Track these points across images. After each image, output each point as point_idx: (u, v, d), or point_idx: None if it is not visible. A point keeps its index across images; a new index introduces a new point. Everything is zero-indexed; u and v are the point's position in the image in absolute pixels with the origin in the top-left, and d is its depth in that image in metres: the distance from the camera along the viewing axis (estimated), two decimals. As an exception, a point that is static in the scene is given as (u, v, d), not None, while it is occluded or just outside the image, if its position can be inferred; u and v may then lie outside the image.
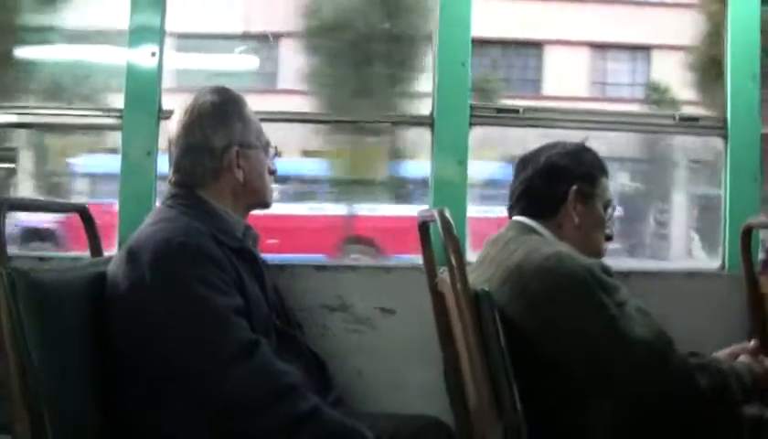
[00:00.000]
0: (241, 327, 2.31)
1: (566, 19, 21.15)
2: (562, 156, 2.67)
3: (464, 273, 2.20)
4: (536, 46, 22.15)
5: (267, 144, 2.71)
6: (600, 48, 22.40)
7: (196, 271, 2.32)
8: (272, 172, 2.73)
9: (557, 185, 2.64)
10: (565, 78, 21.10)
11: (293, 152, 14.66)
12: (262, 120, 2.74)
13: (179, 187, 2.57)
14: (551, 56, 22.02)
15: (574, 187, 2.62)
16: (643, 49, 22.38)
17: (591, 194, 2.65)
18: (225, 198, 2.58)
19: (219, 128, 2.57)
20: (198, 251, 2.35)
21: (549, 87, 21.60)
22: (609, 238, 2.73)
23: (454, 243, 2.20)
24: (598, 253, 2.67)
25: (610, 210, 2.72)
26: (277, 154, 2.78)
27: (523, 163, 2.73)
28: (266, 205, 2.72)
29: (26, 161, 15.63)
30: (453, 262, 2.19)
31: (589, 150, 2.73)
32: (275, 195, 2.76)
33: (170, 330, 2.27)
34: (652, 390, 2.35)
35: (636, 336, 2.31)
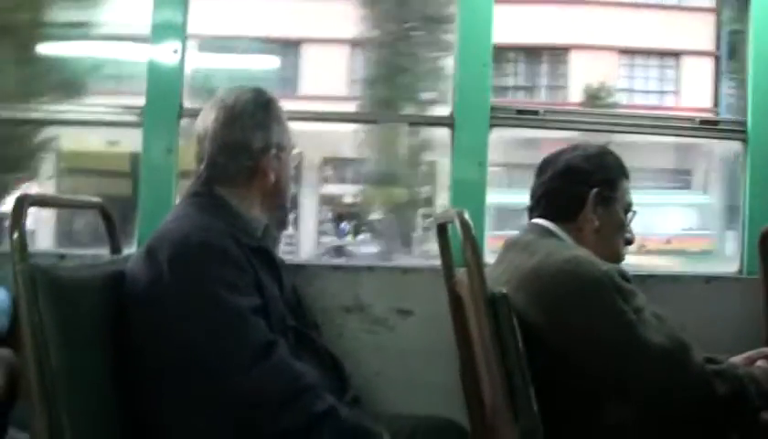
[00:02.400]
0: (259, 327, 2.32)
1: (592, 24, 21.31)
2: (583, 159, 2.65)
3: (482, 274, 2.19)
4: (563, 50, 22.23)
5: (293, 148, 2.73)
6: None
7: (214, 270, 2.32)
8: (292, 177, 2.75)
9: (576, 188, 2.62)
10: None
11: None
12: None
13: (203, 185, 2.58)
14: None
15: (594, 191, 2.59)
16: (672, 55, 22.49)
17: (611, 198, 2.63)
18: (252, 197, 2.60)
19: (259, 129, 2.59)
20: (218, 249, 2.36)
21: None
22: (629, 242, 2.71)
23: (473, 245, 2.19)
24: (618, 258, 2.65)
25: (630, 214, 2.70)
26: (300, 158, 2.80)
27: (544, 164, 2.72)
28: (286, 207, 2.74)
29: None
30: (471, 263, 2.19)
31: (610, 153, 2.70)
32: None
33: (189, 329, 2.28)
34: (669, 396, 2.33)
35: (654, 342, 2.29)
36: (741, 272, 3.42)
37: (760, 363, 2.54)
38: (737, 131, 3.46)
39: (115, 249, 2.83)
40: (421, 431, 2.61)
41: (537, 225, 2.65)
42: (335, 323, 3.14)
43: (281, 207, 2.71)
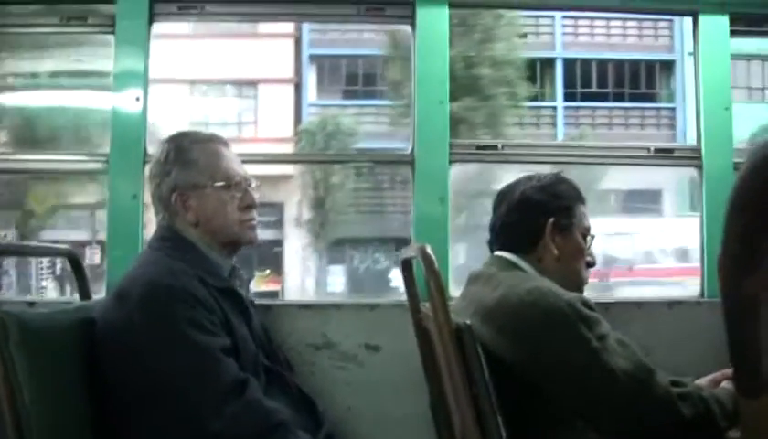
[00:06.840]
0: (230, 367, 2.34)
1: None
2: (537, 190, 2.67)
3: (446, 307, 2.21)
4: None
5: (229, 182, 2.66)
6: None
7: (183, 312, 2.35)
8: (248, 207, 2.69)
9: (533, 219, 2.64)
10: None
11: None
12: (244, 162, 2.78)
13: (167, 229, 2.62)
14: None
15: (551, 221, 2.62)
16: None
17: (568, 225, 2.65)
18: (200, 239, 2.62)
19: (163, 176, 2.64)
20: (185, 292, 2.38)
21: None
22: (591, 265, 2.73)
23: (436, 278, 2.21)
24: (580, 282, 2.68)
25: (589, 238, 2.73)
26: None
27: (500, 197, 2.75)
28: (238, 242, 2.70)
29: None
30: (435, 296, 2.20)
31: (564, 181, 2.72)
32: None
33: (160, 371, 2.30)
34: (636, 421, 2.34)
35: (618, 367, 2.31)
36: (702, 295, 3.47)
37: (724, 384, 2.57)
38: (692, 158, 3.52)
39: (84, 295, 2.84)
40: (394, 464, 2.63)
41: (499, 257, 2.68)
42: (305, 361, 3.15)
43: (231, 241, 2.69)
